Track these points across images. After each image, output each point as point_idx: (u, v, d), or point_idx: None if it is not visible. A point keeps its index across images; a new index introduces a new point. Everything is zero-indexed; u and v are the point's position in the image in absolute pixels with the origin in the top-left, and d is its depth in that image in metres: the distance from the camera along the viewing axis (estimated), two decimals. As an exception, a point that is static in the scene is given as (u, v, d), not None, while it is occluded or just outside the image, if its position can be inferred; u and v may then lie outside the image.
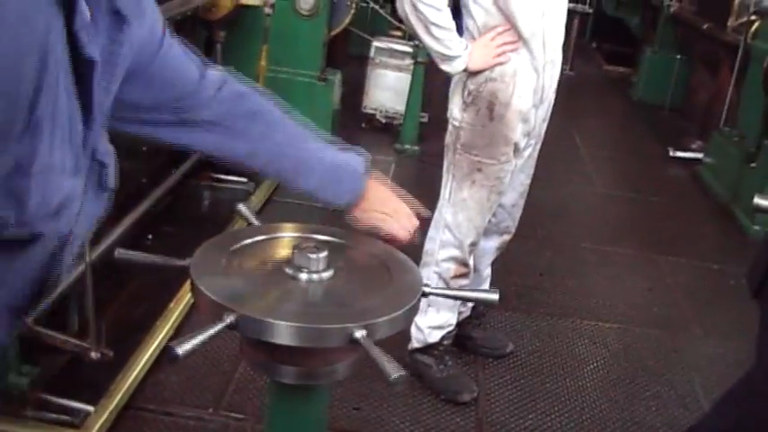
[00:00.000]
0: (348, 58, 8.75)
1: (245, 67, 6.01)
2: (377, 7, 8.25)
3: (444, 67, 3.50)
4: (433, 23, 3.36)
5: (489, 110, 3.50)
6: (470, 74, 3.50)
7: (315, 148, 1.91)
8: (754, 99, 7.11)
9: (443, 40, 3.40)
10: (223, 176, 5.82)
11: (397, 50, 7.59)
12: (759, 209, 2.78)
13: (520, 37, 3.42)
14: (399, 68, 7.59)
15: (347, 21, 6.79)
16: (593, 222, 6.70)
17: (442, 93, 3.71)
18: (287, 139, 1.88)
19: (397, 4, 3.43)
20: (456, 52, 3.43)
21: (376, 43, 7.64)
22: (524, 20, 3.39)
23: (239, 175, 5.78)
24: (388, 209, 2.00)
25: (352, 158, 1.96)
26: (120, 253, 1.66)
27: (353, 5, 6.71)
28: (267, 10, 5.75)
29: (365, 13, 8.33)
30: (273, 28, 5.90)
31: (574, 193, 7.21)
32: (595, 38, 14.52)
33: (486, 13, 3.43)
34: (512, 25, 3.41)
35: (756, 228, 6.50)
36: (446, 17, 3.38)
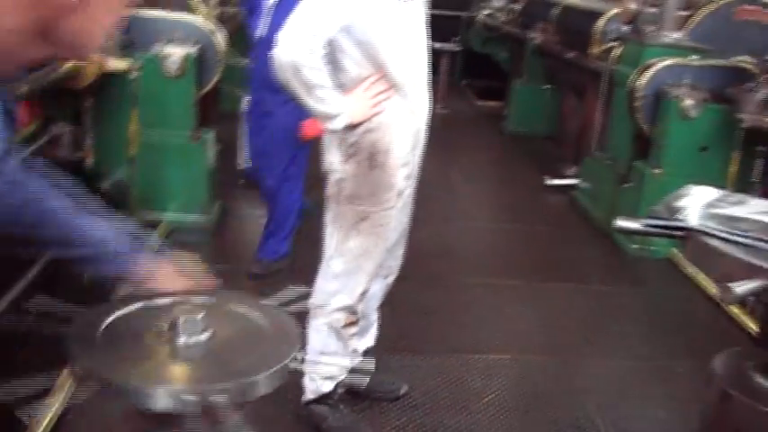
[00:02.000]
0: (220, 116, 8.70)
1: (116, 132, 5.97)
2: (245, 63, 8.25)
3: (328, 125, 3.50)
4: (316, 85, 3.34)
5: (370, 159, 3.53)
6: (349, 126, 3.52)
7: (84, 220, 1.98)
8: (621, 122, 7.31)
9: (326, 99, 3.39)
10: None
11: (268, 104, 7.54)
12: (622, 230, 2.86)
13: (392, 83, 3.48)
14: (273, 122, 7.53)
15: (216, 78, 6.76)
16: (477, 257, 6.75)
17: (318, 144, 3.73)
18: (56, 206, 1.92)
19: (277, 71, 3.38)
20: (338, 110, 3.43)
21: (247, 98, 7.60)
22: (394, 66, 3.45)
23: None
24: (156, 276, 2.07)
25: (120, 235, 2.04)
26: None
27: (222, 63, 6.69)
28: (134, 74, 5.72)
29: (234, 70, 8.31)
30: (142, 91, 5.87)
31: (455, 230, 7.26)
32: (466, 75, 14.71)
33: (357, 64, 3.46)
34: (383, 73, 3.46)
35: (635, 246, 6.68)
36: (326, 76, 3.39)
